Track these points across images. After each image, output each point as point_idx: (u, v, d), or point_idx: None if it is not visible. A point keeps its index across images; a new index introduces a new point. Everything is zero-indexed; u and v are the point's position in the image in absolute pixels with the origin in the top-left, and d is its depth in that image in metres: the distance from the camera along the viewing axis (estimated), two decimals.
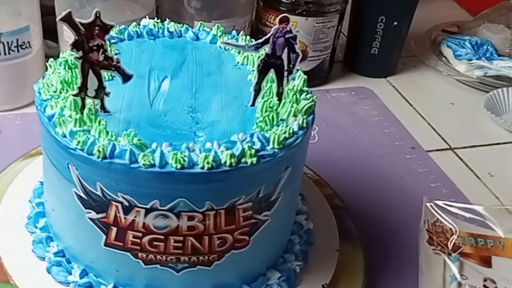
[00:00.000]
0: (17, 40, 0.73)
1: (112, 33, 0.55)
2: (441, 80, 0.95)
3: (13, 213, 0.57)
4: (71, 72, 0.50)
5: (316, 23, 0.83)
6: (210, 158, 0.43)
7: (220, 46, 0.58)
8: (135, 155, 0.43)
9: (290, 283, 0.54)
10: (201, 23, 0.60)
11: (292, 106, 0.48)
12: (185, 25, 0.60)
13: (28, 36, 0.75)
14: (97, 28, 0.43)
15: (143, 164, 0.43)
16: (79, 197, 0.46)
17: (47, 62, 0.52)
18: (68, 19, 0.41)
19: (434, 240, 0.62)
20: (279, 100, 0.49)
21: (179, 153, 0.43)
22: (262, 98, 0.49)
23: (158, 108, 0.49)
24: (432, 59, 0.96)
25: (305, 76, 0.52)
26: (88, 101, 0.46)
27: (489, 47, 0.94)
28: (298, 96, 0.50)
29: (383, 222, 0.66)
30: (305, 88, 0.51)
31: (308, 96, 0.51)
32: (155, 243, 0.47)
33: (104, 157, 0.43)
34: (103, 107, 0.47)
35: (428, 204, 0.66)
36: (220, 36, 0.59)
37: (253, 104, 0.49)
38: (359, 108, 0.86)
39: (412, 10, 0.89)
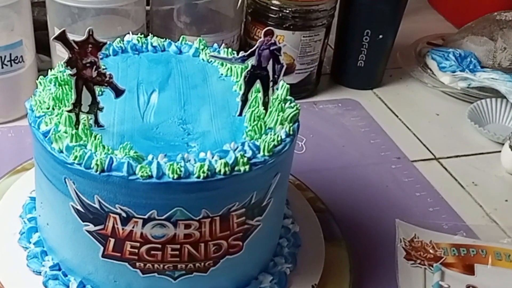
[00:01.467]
0: (10, 54, 0.75)
1: None
2: (427, 91, 0.96)
3: (4, 229, 0.58)
4: (62, 88, 0.51)
5: (303, 36, 0.84)
6: (205, 168, 0.44)
7: (203, 59, 0.60)
8: (133, 167, 0.44)
9: (281, 285, 0.56)
10: (183, 37, 0.62)
11: (278, 115, 0.50)
12: (167, 39, 0.62)
13: (21, 50, 0.76)
14: (90, 45, 0.44)
15: (141, 176, 0.44)
16: (76, 210, 0.47)
17: (40, 75, 0.53)
18: (62, 38, 0.43)
19: (412, 255, 0.63)
20: (265, 109, 0.51)
21: (175, 164, 0.44)
22: (250, 108, 0.51)
23: (149, 121, 0.50)
24: (418, 71, 0.98)
25: (288, 86, 0.54)
26: (82, 116, 0.47)
27: (472, 59, 0.96)
28: (283, 105, 0.52)
29: (369, 230, 0.67)
30: (288, 97, 0.53)
31: (292, 104, 0.53)
32: (152, 252, 0.48)
33: (102, 171, 0.44)
34: (96, 122, 0.48)
35: (402, 223, 0.67)
36: (202, 50, 0.60)
37: (240, 114, 0.51)
38: (346, 120, 0.88)
39: (397, 24, 0.91)
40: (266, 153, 0.47)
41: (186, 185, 0.45)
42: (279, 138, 0.49)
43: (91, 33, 0.44)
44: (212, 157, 0.46)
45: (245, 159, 0.46)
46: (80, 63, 0.44)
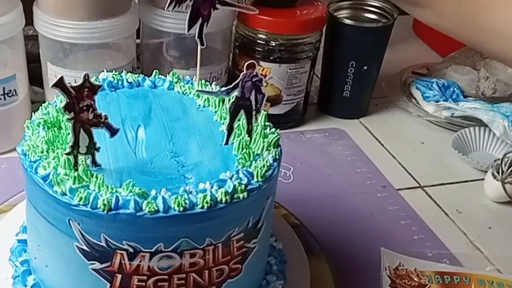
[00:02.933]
0: (4, 88, 0.76)
1: None
2: (412, 120, 0.98)
3: None
4: (52, 131, 0.52)
5: (289, 69, 0.86)
6: (208, 198, 0.46)
7: (178, 91, 0.61)
8: (139, 203, 0.45)
9: None
10: (156, 72, 0.63)
11: (263, 142, 0.53)
12: (141, 75, 0.63)
13: (14, 84, 0.77)
14: (86, 89, 0.45)
15: (148, 211, 0.45)
16: (81, 250, 0.48)
17: (33, 107, 0.54)
18: (60, 84, 0.44)
19: (397, 283, 0.64)
20: (250, 136, 0.53)
21: (179, 197, 0.46)
22: (237, 136, 0.53)
23: (142, 156, 0.51)
24: (403, 101, 1.00)
25: (265, 112, 0.55)
26: (80, 157, 0.48)
27: (455, 88, 0.98)
28: (265, 131, 0.54)
29: (355, 258, 0.68)
30: (267, 123, 0.56)
31: (272, 130, 0.55)
32: (160, 284, 0.49)
33: (109, 209, 0.45)
34: (94, 162, 0.48)
35: (387, 251, 0.68)
36: (176, 82, 0.62)
37: (227, 143, 0.53)
38: (333, 149, 0.89)
39: (381, 55, 0.93)
40: (259, 179, 0.49)
41: (191, 216, 0.46)
42: (268, 164, 0.51)
43: (87, 77, 0.45)
44: (211, 187, 0.47)
45: (243, 186, 0.48)
46: (77, 107, 0.45)
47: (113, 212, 0.45)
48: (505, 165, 0.79)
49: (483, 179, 0.82)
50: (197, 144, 0.53)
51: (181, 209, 0.45)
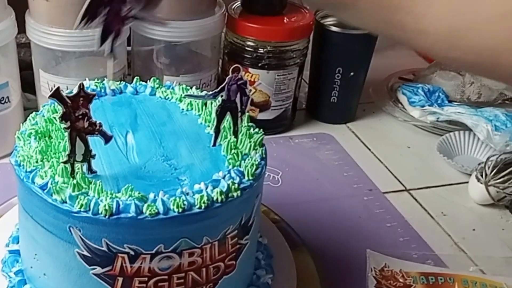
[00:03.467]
0: None
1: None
2: (398, 125, 1.00)
3: None
4: (44, 141, 0.52)
5: (277, 75, 0.88)
6: (205, 198, 0.48)
7: (160, 97, 0.62)
8: (140, 207, 0.46)
9: None
10: (137, 78, 0.64)
11: (249, 142, 0.55)
12: (123, 82, 0.64)
13: (7, 91, 0.78)
14: (81, 98, 0.46)
15: (149, 214, 0.46)
16: (82, 256, 0.49)
17: (26, 113, 0.54)
18: (56, 95, 0.45)
19: (382, 284, 0.66)
20: (236, 137, 0.55)
21: (177, 198, 0.47)
22: (224, 138, 0.55)
23: (135, 161, 0.53)
24: (389, 106, 1.01)
25: (247, 113, 0.57)
26: (76, 165, 0.49)
27: (440, 93, 0.99)
28: (250, 131, 0.56)
29: (341, 260, 0.70)
30: (250, 124, 0.57)
31: (256, 130, 0.57)
32: (160, 284, 0.50)
33: (111, 214, 0.46)
34: (90, 169, 0.49)
35: (373, 252, 0.70)
36: (157, 88, 0.63)
37: (214, 144, 0.55)
38: (321, 153, 0.91)
39: (367, 62, 0.95)
40: (250, 177, 0.51)
41: (189, 217, 0.48)
42: (256, 162, 0.53)
43: (82, 87, 0.46)
44: (206, 188, 0.49)
45: (236, 185, 0.50)
46: (73, 116, 0.46)
47: (115, 216, 0.46)
48: (489, 168, 0.81)
49: (467, 182, 0.84)
50: (186, 147, 0.55)
51: (180, 210, 0.47)
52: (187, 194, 0.48)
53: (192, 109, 0.61)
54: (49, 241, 0.50)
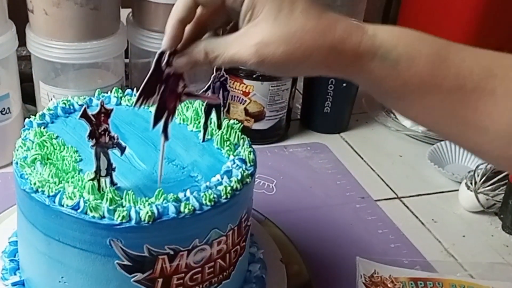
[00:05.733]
0: None
1: (36, 120, 0.59)
2: (390, 134, 1.01)
3: None
4: (51, 164, 0.53)
5: (271, 86, 0.90)
6: (228, 189, 0.51)
7: (127, 105, 0.63)
8: (177, 207, 0.49)
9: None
10: (98, 91, 0.64)
11: (235, 133, 0.58)
12: (86, 96, 0.64)
13: (8, 102, 0.80)
14: (102, 114, 0.47)
15: (188, 212, 0.49)
16: (123, 266, 0.49)
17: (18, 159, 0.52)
18: (84, 115, 0.46)
19: None
20: (219, 129, 0.59)
21: (206, 193, 0.50)
22: (215, 132, 0.59)
23: (143, 168, 0.54)
24: (382, 116, 1.03)
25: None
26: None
27: None
28: (228, 123, 0.60)
29: (332, 267, 0.71)
30: (222, 117, 0.60)
31: (231, 121, 0.60)
32: (194, 276, 0.53)
33: (154, 220, 0.48)
34: (112, 182, 0.50)
35: (363, 259, 0.71)
36: (121, 98, 0.64)
37: (203, 140, 0.58)
38: (314, 162, 0.92)
39: None
40: (251, 163, 0.55)
41: (219, 208, 0.51)
42: (249, 149, 0.57)
43: (102, 103, 0.47)
44: (222, 179, 0.52)
45: (246, 172, 0.53)
46: (97, 133, 0.47)
47: (158, 221, 0.48)
48: (478, 176, 0.82)
49: (457, 190, 0.85)
50: (180, 147, 0.57)
51: (212, 203, 0.50)
52: (211, 188, 0.51)
53: None
54: (82, 260, 0.50)
